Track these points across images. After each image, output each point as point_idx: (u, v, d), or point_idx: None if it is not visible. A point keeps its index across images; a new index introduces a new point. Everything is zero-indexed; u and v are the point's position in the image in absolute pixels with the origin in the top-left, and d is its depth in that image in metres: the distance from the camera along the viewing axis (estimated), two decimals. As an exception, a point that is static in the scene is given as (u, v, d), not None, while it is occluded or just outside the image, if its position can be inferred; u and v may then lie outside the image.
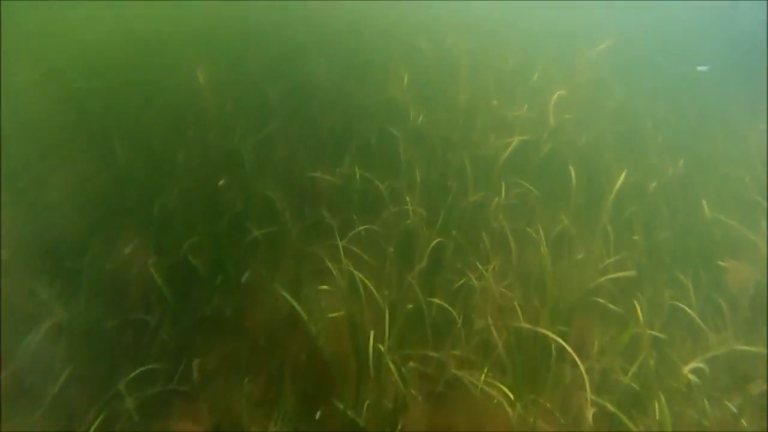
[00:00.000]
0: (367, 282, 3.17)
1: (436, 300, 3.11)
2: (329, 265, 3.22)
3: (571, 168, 4.96)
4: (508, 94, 5.58)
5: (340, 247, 3.30)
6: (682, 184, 5.15)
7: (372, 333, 2.96)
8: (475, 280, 3.54)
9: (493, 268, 3.58)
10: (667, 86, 6.67)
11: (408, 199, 4.15)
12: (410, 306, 3.10)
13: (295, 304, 3.07)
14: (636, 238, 3.77)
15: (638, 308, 2.90)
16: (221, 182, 3.32)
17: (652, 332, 3.04)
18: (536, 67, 6.24)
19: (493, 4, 7.95)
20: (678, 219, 4.46)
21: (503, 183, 4.42)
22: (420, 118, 5.15)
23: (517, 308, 3.10)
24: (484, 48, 6.42)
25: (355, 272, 3.10)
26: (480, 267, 3.70)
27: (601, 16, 9.08)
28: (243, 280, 3.80)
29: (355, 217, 4.12)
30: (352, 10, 7.29)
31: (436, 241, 3.81)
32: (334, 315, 3.47)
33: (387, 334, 2.73)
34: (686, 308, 3.26)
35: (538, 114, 5.06)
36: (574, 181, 3.66)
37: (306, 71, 5.93)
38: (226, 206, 3.88)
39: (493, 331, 3.16)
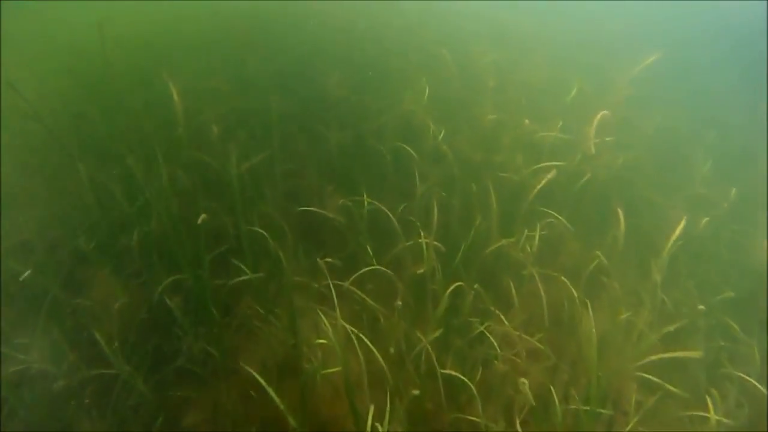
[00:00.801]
0: (365, 339, 2.65)
1: (450, 372, 2.56)
2: (322, 317, 2.71)
3: (616, 206, 4.40)
4: (539, 111, 5.01)
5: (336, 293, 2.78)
6: (737, 218, 4.55)
7: (371, 408, 2.43)
8: (498, 348, 3.01)
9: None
10: (718, 105, 6.01)
11: (422, 233, 3.60)
12: (418, 377, 2.56)
13: (268, 390, 2.55)
14: (701, 307, 3.17)
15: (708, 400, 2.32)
16: (202, 218, 2.81)
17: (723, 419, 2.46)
18: (570, 81, 5.65)
19: (524, 10, 7.35)
20: (738, 263, 3.85)
21: (533, 215, 3.87)
22: (440, 135, 4.60)
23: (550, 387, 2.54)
24: (512, 59, 5.86)
25: (352, 329, 2.58)
26: (505, 322, 3.15)
27: (647, 22, 8.40)
28: (229, 325, 3.31)
29: (361, 253, 3.59)
30: (369, 13, 6.77)
31: (455, 285, 3.27)
32: (329, 371, 2.97)
33: (388, 418, 2.20)
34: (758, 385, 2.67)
35: (575, 136, 4.48)
36: (622, 225, 3.07)
37: (316, 80, 5.44)
38: (214, 240, 3.38)
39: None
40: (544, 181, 3.26)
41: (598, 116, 3.51)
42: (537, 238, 3.68)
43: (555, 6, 8.71)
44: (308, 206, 4.64)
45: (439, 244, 3.72)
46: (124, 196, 3.18)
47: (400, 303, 2.91)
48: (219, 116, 4.28)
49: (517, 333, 3.33)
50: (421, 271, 3.11)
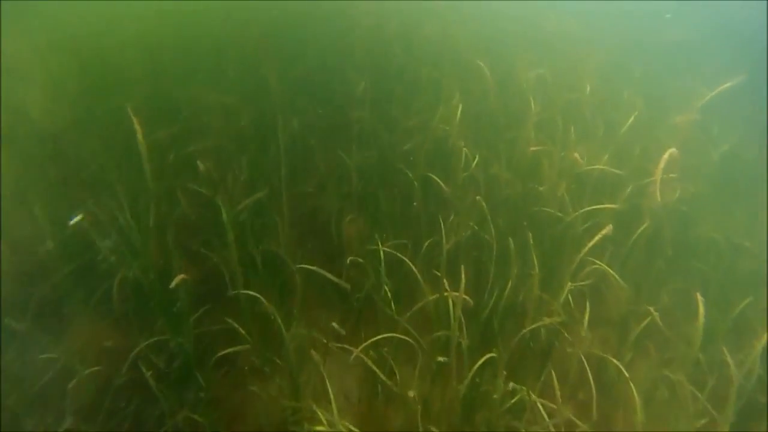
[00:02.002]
0: None
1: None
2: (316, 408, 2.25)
3: (674, 252, 3.81)
4: (589, 139, 4.39)
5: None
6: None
7: None
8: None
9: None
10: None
11: (446, 282, 3.09)
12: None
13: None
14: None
15: None
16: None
17: None
18: (625, 99, 5.03)
19: (573, 12, 6.67)
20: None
21: (579, 265, 3.32)
22: (474, 162, 4.05)
23: None
24: (558, 71, 5.24)
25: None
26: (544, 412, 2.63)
27: (718, 30, 7.58)
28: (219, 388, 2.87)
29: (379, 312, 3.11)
30: (400, 14, 6.19)
31: (486, 357, 2.77)
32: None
33: None
34: None
35: (630, 171, 3.88)
36: (700, 306, 2.50)
37: (339, 92, 4.92)
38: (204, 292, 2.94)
39: None
40: (597, 237, 2.69)
41: (666, 155, 2.92)
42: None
43: (608, 7, 7.98)
44: (323, 237, 4.19)
45: (467, 299, 3.20)
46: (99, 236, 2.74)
47: (412, 394, 2.42)
48: (218, 143, 3.82)
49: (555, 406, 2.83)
50: (444, 359, 2.60)
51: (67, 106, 3.98)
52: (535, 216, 3.90)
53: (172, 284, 2.27)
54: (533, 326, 2.78)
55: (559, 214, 3.81)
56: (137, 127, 2.27)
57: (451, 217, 4.00)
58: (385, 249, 3.14)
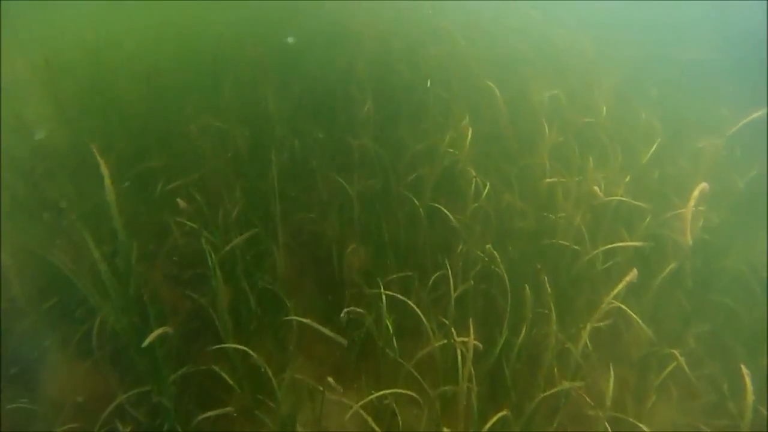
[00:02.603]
0: None
1: None
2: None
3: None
4: (608, 166, 4.13)
5: None
6: None
7: None
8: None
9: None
10: None
11: (454, 331, 2.85)
12: None
13: None
14: None
15: None
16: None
17: None
18: (645, 122, 4.78)
19: (589, 28, 6.43)
20: None
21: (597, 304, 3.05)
22: (485, 191, 3.80)
23: None
24: (573, 91, 4.99)
25: None
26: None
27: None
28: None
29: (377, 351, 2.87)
30: (406, 31, 5.98)
31: (499, 416, 2.51)
32: None
33: None
34: None
35: (651, 201, 3.61)
36: (747, 381, 2.23)
37: (342, 113, 4.69)
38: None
39: None
40: (622, 284, 2.43)
41: (696, 192, 2.66)
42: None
43: (625, 21, 7.73)
44: (323, 270, 3.95)
45: (477, 344, 2.93)
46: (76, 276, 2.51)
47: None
48: (212, 169, 3.59)
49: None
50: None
51: (51, 131, 3.79)
52: (549, 249, 3.64)
53: (146, 341, 2.03)
54: (551, 391, 2.51)
55: (576, 248, 3.56)
56: (104, 170, 2.04)
57: (460, 247, 3.75)
58: (388, 292, 2.87)
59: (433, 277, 3.57)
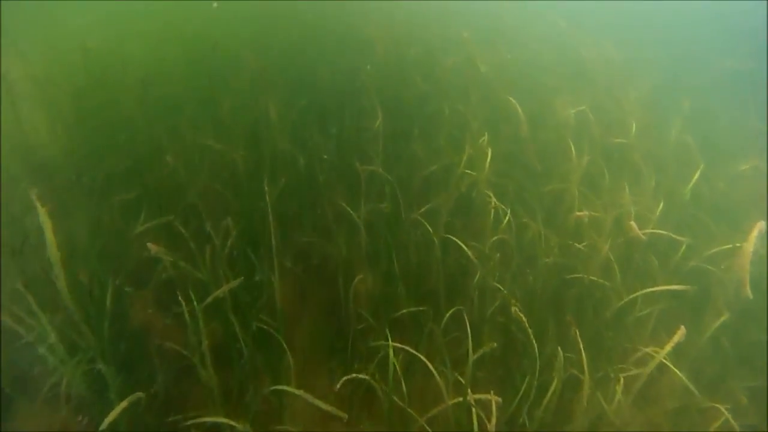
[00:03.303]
0: None
1: None
2: None
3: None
4: (642, 196, 3.77)
5: None
6: None
7: None
8: None
9: None
10: None
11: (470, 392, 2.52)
12: None
13: None
14: None
15: None
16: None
17: None
18: (682, 144, 4.40)
19: (613, 37, 6.02)
20: None
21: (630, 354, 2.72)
22: (505, 220, 3.46)
23: None
24: (600, 107, 4.61)
25: None
26: None
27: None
28: None
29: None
30: (422, 41, 5.62)
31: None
32: None
33: None
34: None
35: (695, 238, 3.25)
36: None
37: (351, 127, 4.36)
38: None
39: None
40: (669, 346, 2.08)
41: (755, 231, 2.30)
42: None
43: (647, 28, 7.31)
44: (328, 301, 3.63)
45: (498, 399, 2.60)
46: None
47: None
48: (207, 192, 3.28)
49: None
50: None
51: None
52: (576, 286, 3.29)
53: (104, 424, 1.72)
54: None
55: (604, 283, 3.20)
56: (46, 221, 1.73)
57: (477, 277, 3.41)
58: (396, 345, 2.54)
59: (447, 314, 3.24)
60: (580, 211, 3.33)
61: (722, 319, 2.61)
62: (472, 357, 2.40)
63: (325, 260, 3.75)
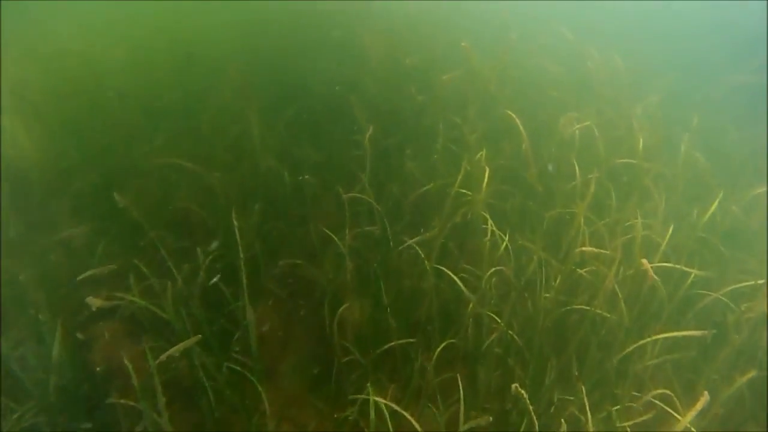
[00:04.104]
0: None
1: None
2: None
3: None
4: (647, 213, 3.50)
5: None
6: None
7: None
8: None
9: None
10: None
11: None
12: None
13: None
14: None
15: None
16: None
17: None
18: (695, 163, 4.13)
19: (620, 47, 5.75)
20: None
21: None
22: (502, 247, 3.20)
23: None
24: (608, 123, 4.34)
25: None
26: None
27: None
28: None
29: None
30: (420, 47, 5.36)
31: None
32: None
33: None
34: None
35: (712, 271, 2.98)
36: None
37: (339, 141, 4.10)
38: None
39: None
40: (690, 415, 1.82)
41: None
42: None
43: (658, 41, 7.03)
44: (311, 330, 3.37)
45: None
46: None
47: None
48: (182, 217, 3.01)
49: None
50: None
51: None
52: (578, 317, 3.03)
53: None
54: None
55: (611, 317, 2.94)
56: None
57: (471, 306, 3.14)
58: (378, 399, 2.28)
59: (438, 348, 2.99)
60: (584, 240, 3.06)
61: (749, 375, 2.33)
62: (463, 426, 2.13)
63: (309, 287, 3.49)
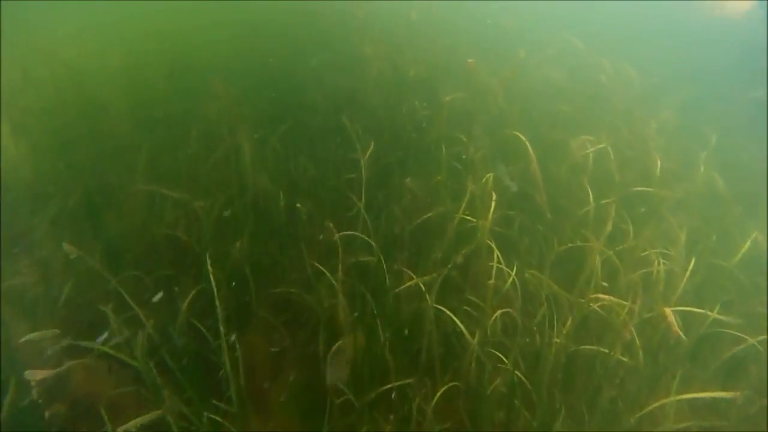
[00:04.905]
0: None
1: None
2: None
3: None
4: (666, 245, 3.25)
5: None
6: None
7: None
8: None
9: None
10: None
11: None
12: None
13: None
14: None
15: None
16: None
17: None
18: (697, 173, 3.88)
19: (633, 60, 5.47)
20: None
21: None
22: (509, 282, 2.96)
23: None
24: (625, 144, 4.09)
25: None
26: None
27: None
28: None
29: None
30: (423, 59, 5.10)
31: None
32: None
33: None
34: None
35: (736, 314, 2.73)
36: None
37: (335, 161, 3.87)
38: None
39: None
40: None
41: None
42: None
43: (673, 53, 6.74)
44: (302, 368, 3.12)
45: None
46: None
47: None
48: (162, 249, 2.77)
49: None
50: None
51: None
52: (591, 360, 2.78)
53: None
54: None
55: (624, 359, 2.69)
56: None
57: (475, 340, 2.90)
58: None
59: (440, 391, 2.76)
60: (598, 275, 2.81)
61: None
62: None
63: (301, 320, 3.24)
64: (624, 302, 2.55)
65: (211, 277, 2.05)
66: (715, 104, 5.86)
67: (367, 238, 2.96)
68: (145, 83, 3.89)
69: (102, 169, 3.13)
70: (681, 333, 2.22)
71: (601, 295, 2.53)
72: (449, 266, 2.87)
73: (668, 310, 2.21)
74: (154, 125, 3.46)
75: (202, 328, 2.47)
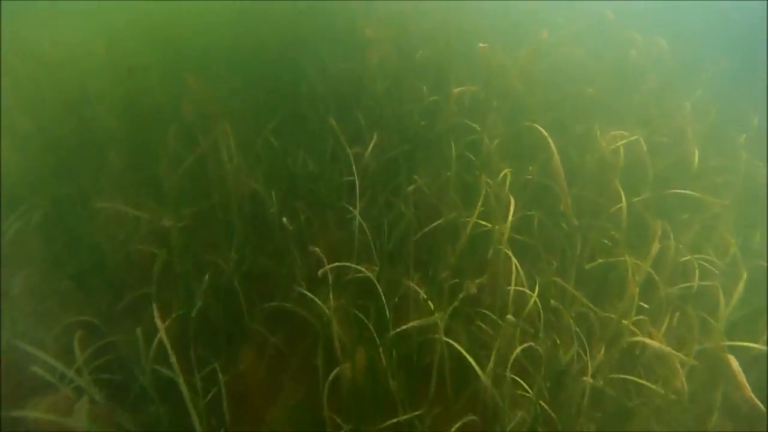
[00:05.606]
0: None
1: None
2: None
3: None
4: (711, 248, 2.84)
5: None
6: None
7: None
8: None
9: None
10: None
11: None
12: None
13: None
14: None
15: None
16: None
17: None
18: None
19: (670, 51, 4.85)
20: None
21: None
22: (531, 302, 2.59)
23: None
24: (656, 135, 3.63)
25: None
26: None
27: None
28: None
29: None
30: (435, 38, 4.60)
31: None
32: None
33: None
34: None
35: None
36: None
37: (332, 160, 3.49)
38: None
39: None
40: None
41: None
42: None
43: (709, 25, 6.12)
44: (298, 400, 2.78)
45: None
46: None
47: None
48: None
49: None
50: None
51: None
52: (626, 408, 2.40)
53: None
54: None
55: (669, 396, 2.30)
56: None
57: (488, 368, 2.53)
58: None
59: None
60: (634, 294, 2.40)
61: None
62: None
63: (298, 342, 2.89)
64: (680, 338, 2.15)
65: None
66: (753, 85, 5.28)
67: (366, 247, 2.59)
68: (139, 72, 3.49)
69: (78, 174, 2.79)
70: (754, 398, 1.79)
71: (641, 339, 2.12)
72: (461, 295, 2.48)
73: (734, 360, 1.78)
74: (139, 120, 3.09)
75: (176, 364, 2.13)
